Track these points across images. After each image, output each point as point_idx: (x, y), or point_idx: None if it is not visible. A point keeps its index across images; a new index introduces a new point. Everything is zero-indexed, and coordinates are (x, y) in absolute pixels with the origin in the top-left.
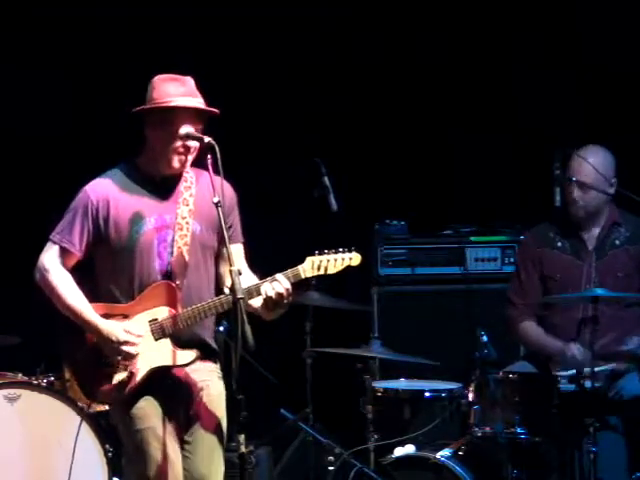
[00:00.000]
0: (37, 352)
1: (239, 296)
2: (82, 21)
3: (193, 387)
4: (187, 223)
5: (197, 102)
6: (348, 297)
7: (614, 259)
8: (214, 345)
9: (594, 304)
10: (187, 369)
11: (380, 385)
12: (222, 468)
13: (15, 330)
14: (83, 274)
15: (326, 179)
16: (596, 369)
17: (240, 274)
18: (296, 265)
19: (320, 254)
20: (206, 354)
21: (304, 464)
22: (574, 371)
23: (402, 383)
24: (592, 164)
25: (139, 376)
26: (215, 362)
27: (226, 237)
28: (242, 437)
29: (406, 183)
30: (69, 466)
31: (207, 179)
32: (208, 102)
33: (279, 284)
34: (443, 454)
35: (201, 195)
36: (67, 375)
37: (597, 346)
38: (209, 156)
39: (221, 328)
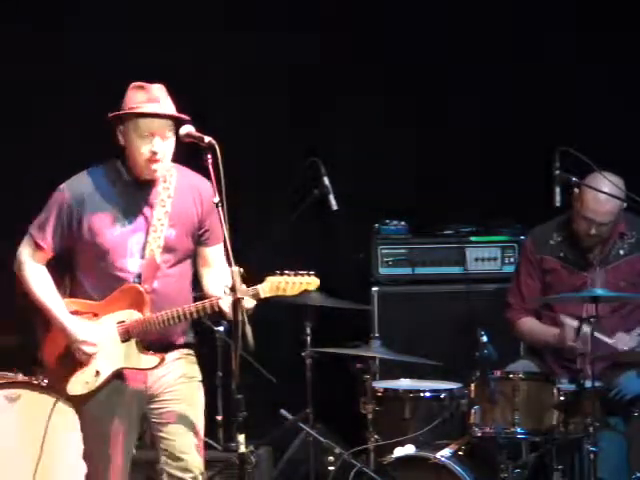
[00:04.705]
0: (37, 352)
1: (239, 296)
2: None
3: (162, 377)
4: (162, 225)
5: (156, 107)
6: (348, 297)
7: (617, 271)
8: (186, 339)
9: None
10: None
11: (380, 385)
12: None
13: (15, 330)
14: (65, 268)
15: (326, 179)
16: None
17: (241, 274)
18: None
19: (281, 274)
20: (175, 349)
21: (304, 464)
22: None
23: (402, 383)
24: (609, 201)
25: (103, 376)
26: (186, 347)
27: (226, 236)
28: (242, 437)
29: (406, 183)
30: (68, 465)
31: (189, 179)
32: (207, 100)
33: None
34: (443, 454)
35: (180, 196)
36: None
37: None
38: (209, 156)
39: (221, 328)
